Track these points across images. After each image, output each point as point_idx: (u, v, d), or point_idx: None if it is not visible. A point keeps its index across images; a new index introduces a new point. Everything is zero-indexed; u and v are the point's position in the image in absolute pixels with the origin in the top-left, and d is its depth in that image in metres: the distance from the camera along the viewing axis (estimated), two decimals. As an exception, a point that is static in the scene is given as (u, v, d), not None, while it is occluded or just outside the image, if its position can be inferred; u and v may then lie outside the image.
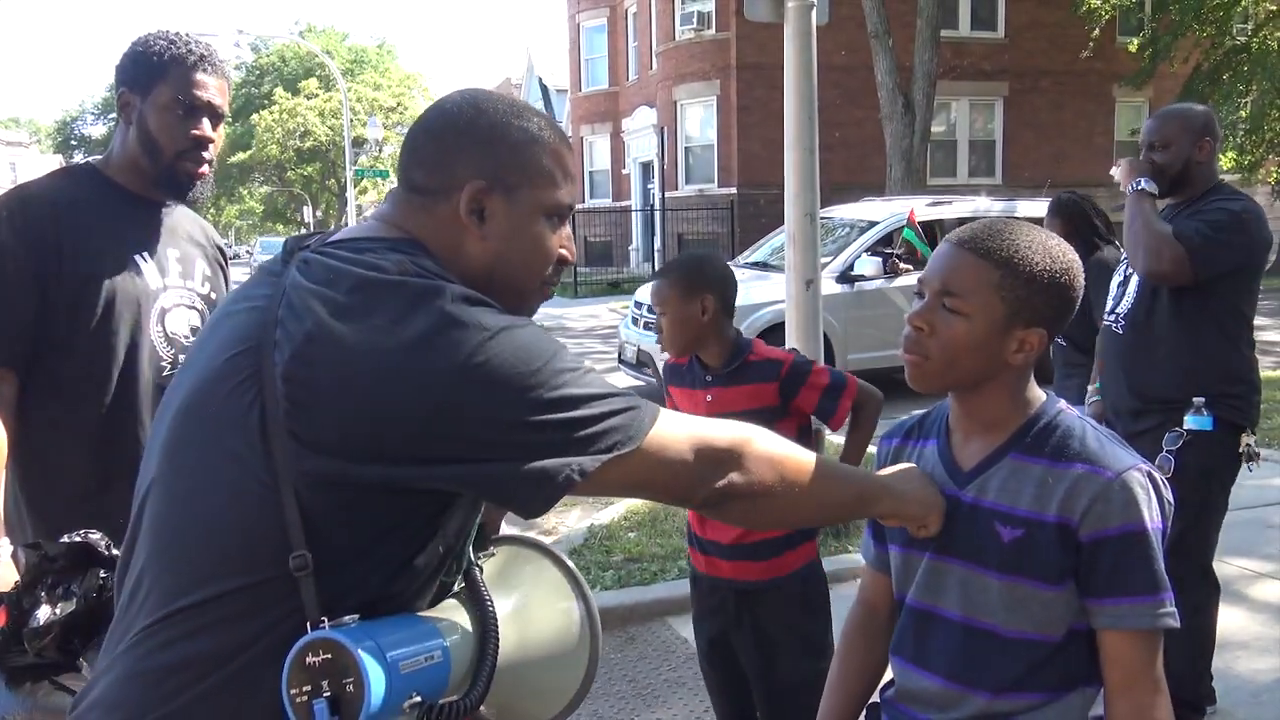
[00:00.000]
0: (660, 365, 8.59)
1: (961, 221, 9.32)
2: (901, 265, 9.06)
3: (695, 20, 21.93)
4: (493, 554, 1.43)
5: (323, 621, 1.06)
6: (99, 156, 2.20)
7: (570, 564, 1.40)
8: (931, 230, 9.46)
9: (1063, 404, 1.51)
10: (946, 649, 1.50)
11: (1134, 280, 3.15)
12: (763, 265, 9.90)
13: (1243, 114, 18.45)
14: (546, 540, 1.45)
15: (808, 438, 2.52)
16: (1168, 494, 1.43)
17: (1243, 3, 17.41)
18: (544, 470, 1.13)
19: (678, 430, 1.24)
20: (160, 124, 2.06)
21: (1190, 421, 2.98)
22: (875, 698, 1.67)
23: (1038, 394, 1.51)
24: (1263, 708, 3.40)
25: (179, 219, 2.23)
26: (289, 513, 1.08)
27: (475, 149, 1.25)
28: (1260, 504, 5.26)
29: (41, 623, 1.45)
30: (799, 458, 1.35)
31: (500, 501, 1.19)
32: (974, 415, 1.50)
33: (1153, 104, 21.33)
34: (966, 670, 1.47)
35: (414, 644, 1.11)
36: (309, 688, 1.03)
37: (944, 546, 1.50)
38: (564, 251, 1.33)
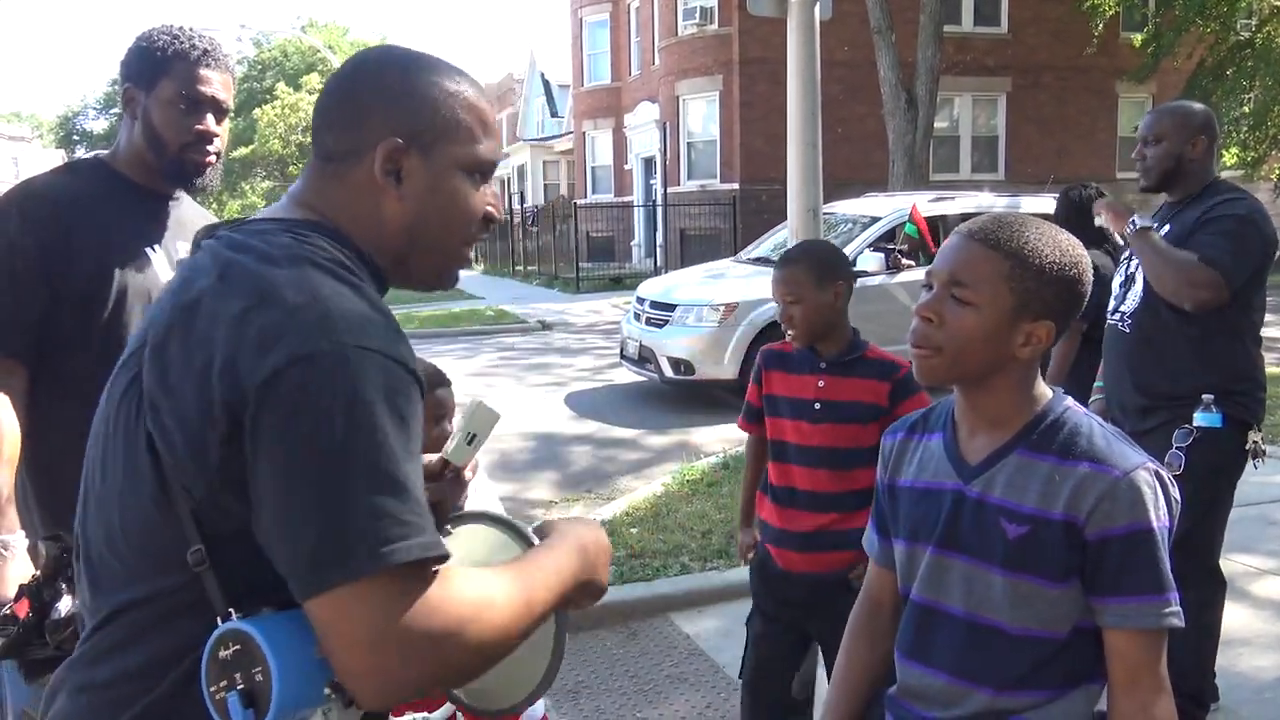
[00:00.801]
0: (664, 362, 8.62)
1: (964, 217, 9.32)
2: (904, 261, 9.05)
3: (698, 15, 21.91)
4: (450, 533, 1.39)
5: (230, 613, 1.02)
6: (105, 151, 2.20)
7: (535, 539, 1.32)
8: (934, 226, 9.45)
9: (1070, 401, 1.51)
10: (950, 645, 1.50)
11: (1139, 279, 3.14)
12: (765, 261, 9.90)
13: (1246, 110, 18.41)
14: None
15: None
16: (1175, 493, 1.42)
17: (1246, -2, 17.40)
18: (290, 550, 0.97)
19: (456, 588, 1.00)
20: (164, 119, 2.07)
21: (1200, 419, 2.98)
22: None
23: (1044, 390, 1.50)
24: (1266, 705, 3.39)
25: (186, 211, 2.23)
26: (180, 509, 1.04)
27: (387, 106, 1.18)
28: (1265, 501, 5.25)
29: (63, 614, 1.45)
30: (508, 603, 1.06)
31: (281, 566, 1.00)
32: (980, 410, 1.50)
33: (1156, 100, 21.29)
34: (970, 666, 1.47)
35: None
36: (224, 682, 1.00)
37: (948, 541, 1.49)
38: (489, 209, 1.25)
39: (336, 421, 0.97)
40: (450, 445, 1.44)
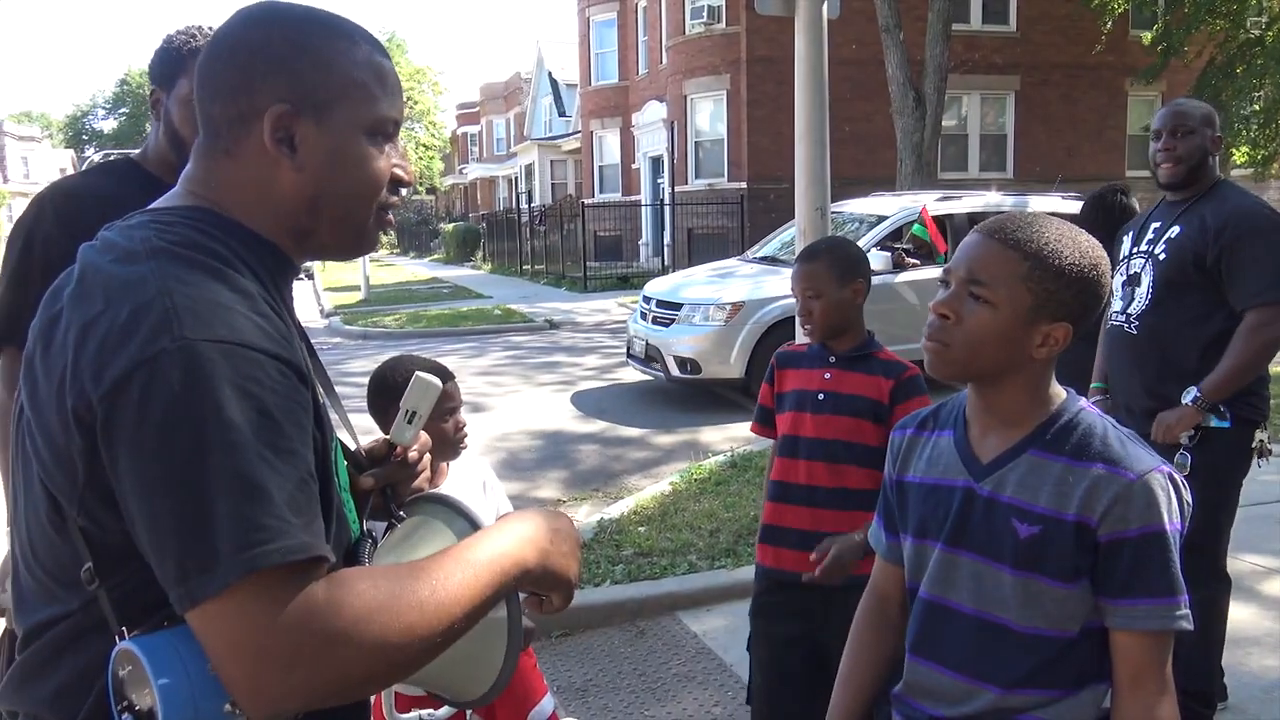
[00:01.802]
0: (670, 361, 8.62)
1: (971, 216, 9.33)
2: (909, 260, 9.03)
3: (705, 14, 21.88)
4: (402, 518, 1.35)
5: (124, 631, 0.97)
6: (132, 150, 2.25)
7: (480, 521, 1.26)
8: (941, 225, 9.43)
9: (1083, 402, 1.50)
10: (958, 642, 1.50)
11: (1145, 279, 3.12)
12: (771, 260, 9.88)
13: (1256, 108, 18.33)
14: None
15: None
16: (1187, 496, 1.42)
17: (1257, -5, 17.30)
18: (181, 567, 0.91)
19: (327, 596, 0.93)
20: (182, 116, 2.12)
21: (1210, 420, 2.97)
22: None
23: (1058, 390, 1.50)
24: (1274, 704, 3.38)
25: None
26: (71, 527, 1.00)
27: (272, 69, 1.08)
28: (1272, 500, 5.23)
29: None
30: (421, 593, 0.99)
31: (160, 580, 0.95)
32: (993, 409, 1.50)
33: (1165, 98, 21.19)
34: (977, 664, 1.47)
35: None
36: (125, 703, 0.95)
37: (957, 539, 1.50)
38: (398, 172, 1.16)
39: (183, 426, 0.91)
40: (393, 426, 1.37)
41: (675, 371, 8.70)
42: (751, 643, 2.68)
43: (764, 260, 10.01)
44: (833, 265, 2.53)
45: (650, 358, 8.98)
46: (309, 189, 1.11)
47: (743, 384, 8.46)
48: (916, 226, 8.94)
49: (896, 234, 9.22)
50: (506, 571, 1.07)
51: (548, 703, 2.69)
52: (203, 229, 1.06)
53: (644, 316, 9.27)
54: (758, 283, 8.93)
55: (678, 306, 8.90)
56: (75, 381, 0.95)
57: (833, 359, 2.57)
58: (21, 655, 1.07)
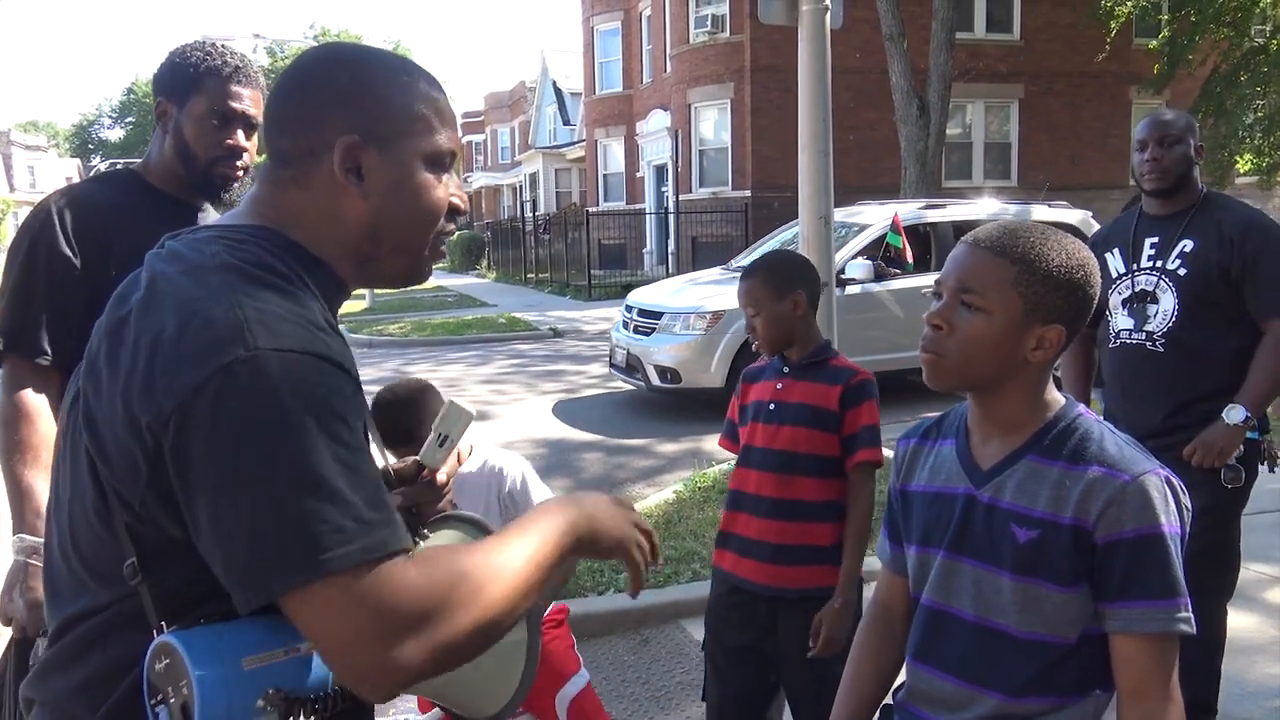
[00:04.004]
0: (651, 370, 8.58)
1: (957, 226, 9.35)
2: (889, 269, 9.02)
3: (709, 23, 21.94)
4: (426, 536, 1.37)
5: (162, 626, 1.02)
6: (135, 161, 2.25)
7: None
8: (925, 234, 9.44)
9: (1082, 408, 1.51)
10: (959, 648, 1.50)
11: (1167, 296, 3.04)
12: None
13: (1260, 116, 18.32)
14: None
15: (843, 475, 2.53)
16: (1186, 500, 1.43)
17: (1261, 3, 17.28)
18: (232, 561, 0.96)
19: (407, 581, 0.98)
20: (195, 134, 2.13)
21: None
22: (888, 699, 1.67)
23: (1056, 397, 1.51)
24: (1278, 713, 3.37)
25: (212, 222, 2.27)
26: (117, 522, 1.04)
27: (340, 103, 1.15)
28: (1275, 509, 5.22)
29: None
30: (496, 568, 1.05)
31: (222, 579, 1.00)
32: (993, 416, 1.51)
33: (1169, 106, 21.21)
34: (978, 670, 1.48)
35: (269, 639, 1.04)
36: (160, 696, 1.00)
37: (959, 546, 1.50)
38: (455, 200, 1.22)
39: (259, 431, 0.95)
40: (424, 448, 1.41)
41: (655, 380, 8.63)
42: (705, 645, 2.72)
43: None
44: (768, 281, 2.54)
45: (631, 367, 8.90)
46: (372, 216, 1.17)
47: (723, 393, 8.41)
48: (890, 235, 8.93)
49: (879, 243, 9.16)
50: (563, 532, 1.15)
51: (579, 679, 2.75)
52: (269, 249, 1.11)
53: (626, 325, 9.21)
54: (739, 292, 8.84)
55: (658, 315, 8.83)
56: (147, 388, 0.99)
57: (786, 369, 2.60)
58: (52, 648, 1.11)
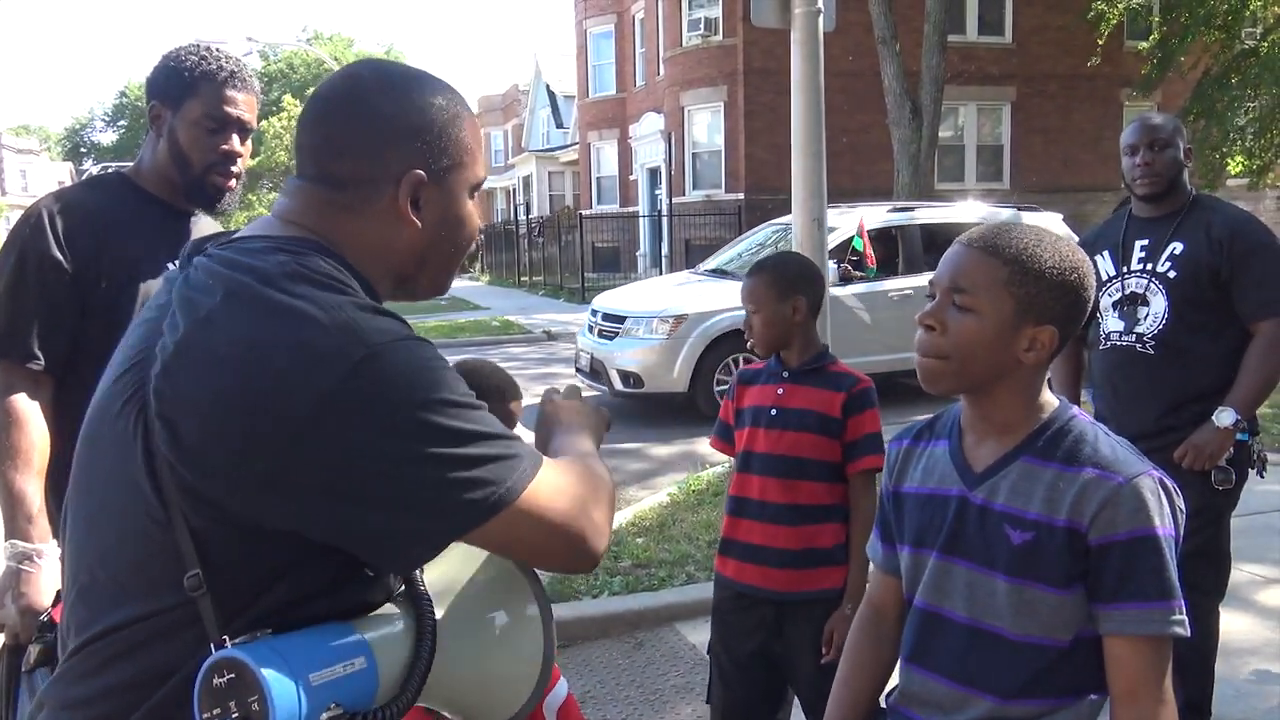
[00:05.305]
0: (614, 375, 8.54)
1: (928, 230, 9.37)
2: (854, 272, 9.02)
3: (702, 26, 21.96)
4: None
5: (224, 640, 1.02)
6: (125, 165, 2.24)
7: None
8: (893, 238, 9.44)
9: (1076, 410, 1.51)
10: (952, 650, 1.50)
11: (1158, 299, 3.05)
12: (720, 273, 9.68)
13: (1251, 118, 18.37)
14: None
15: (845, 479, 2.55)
16: (1180, 502, 1.43)
17: (1251, 6, 17.35)
18: (416, 524, 1.05)
19: (559, 481, 1.16)
20: (190, 138, 2.12)
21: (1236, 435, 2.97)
22: (881, 702, 1.66)
23: (1050, 399, 1.51)
24: (1271, 715, 3.38)
25: (204, 228, 2.27)
26: (180, 536, 1.03)
27: (407, 137, 1.18)
28: (1270, 510, 5.24)
29: None
30: (592, 470, 1.29)
31: (365, 556, 1.09)
32: (987, 418, 1.51)
33: (1161, 109, 21.26)
34: (972, 673, 1.48)
35: (330, 654, 1.06)
36: (218, 710, 0.99)
37: (952, 547, 1.50)
38: (479, 222, 1.31)
39: (407, 411, 1.03)
40: None
41: (619, 385, 8.56)
42: (711, 648, 2.72)
43: (713, 273, 9.84)
44: (772, 281, 2.55)
45: (595, 372, 8.82)
46: (422, 243, 1.22)
47: (686, 398, 8.38)
48: (855, 239, 8.94)
49: (845, 246, 9.13)
50: (589, 438, 1.46)
51: (562, 686, 2.73)
52: (327, 260, 1.14)
53: (591, 330, 9.13)
54: (703, 295, 8.78)
55: (622, 320, 8.75)
56: (259, 399, 1.01)
57: (786, 374, 2.59)
58: (83, 650, 1.10)
